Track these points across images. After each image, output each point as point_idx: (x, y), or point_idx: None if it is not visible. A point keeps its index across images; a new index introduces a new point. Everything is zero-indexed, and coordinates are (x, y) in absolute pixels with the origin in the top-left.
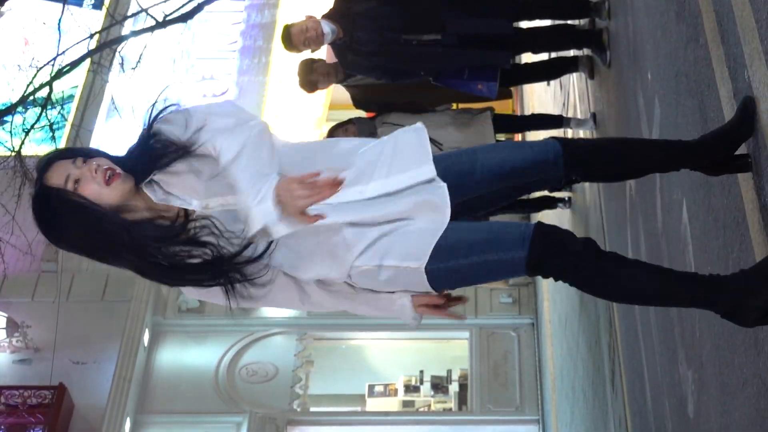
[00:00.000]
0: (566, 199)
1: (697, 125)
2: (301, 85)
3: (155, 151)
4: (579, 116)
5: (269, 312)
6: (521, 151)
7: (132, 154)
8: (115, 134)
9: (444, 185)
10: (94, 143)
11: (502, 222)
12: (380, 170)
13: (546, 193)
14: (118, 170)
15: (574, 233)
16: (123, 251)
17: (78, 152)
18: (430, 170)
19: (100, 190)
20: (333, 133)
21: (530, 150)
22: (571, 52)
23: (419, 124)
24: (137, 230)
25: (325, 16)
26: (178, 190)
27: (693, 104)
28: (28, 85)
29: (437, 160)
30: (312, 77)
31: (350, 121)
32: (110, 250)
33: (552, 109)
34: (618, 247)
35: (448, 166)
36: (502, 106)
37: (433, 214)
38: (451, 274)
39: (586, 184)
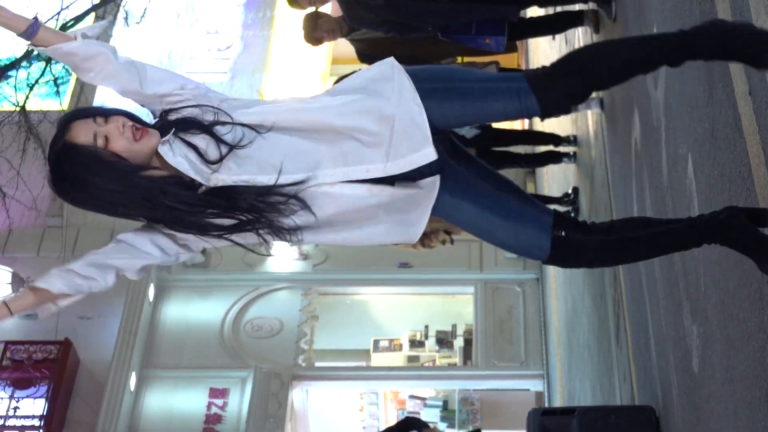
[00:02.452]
0: (571, 153)
1: (704, 80)
2: (306, 39)
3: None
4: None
5: (274, 267)
6: (500, 108)
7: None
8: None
9: (435, 191)
10: (98, 98)
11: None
12: (384, 149)
13: (551, 147)
14: (144, 126)
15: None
16: (152, 207)
17: (96, 111)
18: (430, 153)
19: (131, 146)
20: None
21: (510, 107)
22: (577, 6)
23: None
24: (170, 187)
25: None
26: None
27: (698, 62)
28: None
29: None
30: (317, 33)
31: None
32: (139, 206)
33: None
34: (623, 201)
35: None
36: (507, 60)
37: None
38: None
39: (591, 139)
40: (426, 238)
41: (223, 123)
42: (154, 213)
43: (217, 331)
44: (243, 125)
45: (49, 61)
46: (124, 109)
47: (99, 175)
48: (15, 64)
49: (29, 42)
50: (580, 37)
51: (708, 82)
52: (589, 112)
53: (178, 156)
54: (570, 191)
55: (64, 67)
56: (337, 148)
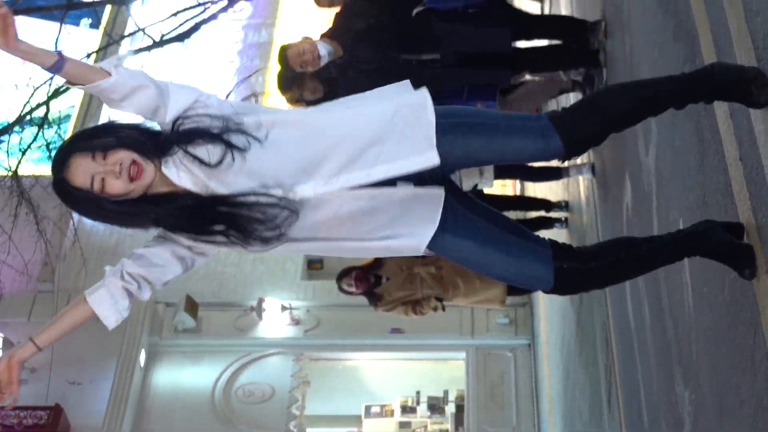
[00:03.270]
0: (563, 219)
1: (694, 146)
2: (288, 101)
3: (185, 130)
4: (577, 161)
5: (266, 332)
6: (524, 146)
7: (153, 133)
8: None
9: (441, 202)
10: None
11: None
12: (386, 151)
13: (542, 213)
14: (140, 161)
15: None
16: (151, 222)
17: (95, 145)
18: (433, 157)
19: (126, 187)
20: None
21: (533, 146)
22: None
23: (425, 94)
24: (167, 213)
25: (324, 35)
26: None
27: (690, 126)
28: (25, 105)
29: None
30: (297, 93)
31: None
32: (138, 223)
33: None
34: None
35: (448, 150)
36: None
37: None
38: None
39: (583, 205)
40: (417, 305)
41: (225, 132)
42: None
43: (209, 396)
44: (245, 133)
45: (41, 126)
46: (127, 126)
47: (97, 214)
48: (7, 129)
49: (56, 75)
50: (571, 101)
51: (699, 148)
52: (580, 178)
53: (182, 173)
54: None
55: (56, 132)
56: (338, 151)
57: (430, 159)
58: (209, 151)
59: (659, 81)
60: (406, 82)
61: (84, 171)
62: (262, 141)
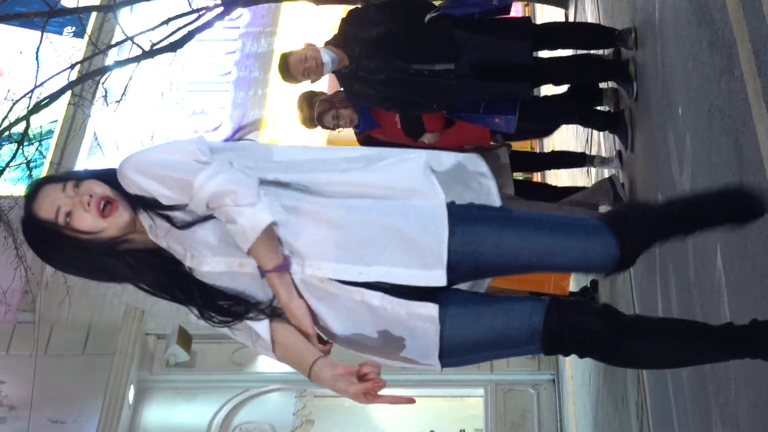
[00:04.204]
0: None
1: (732, 164)
2: (302, 123)
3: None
4: (603, 154)
5: (265, 367)
6: (566, 249)
7: None
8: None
9: (437, 334)
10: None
11: (505, 314)
12: (388, 253)
13: None
14: (113, 197)
15: (587, 303)
16: (121, 278)
17: (68, 176)
18: (440, 277)
19: (94, 223)
20: None
21: (577, 246)
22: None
23: (441, 197)
24: (138, 265)
25: (328, 43)
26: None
27: (728, 142)
28: (3, 120)
29: (458, 226)
30: (313, 113)
31: None
32: (108, 277)
33: (574, 145)
34: (647, 298)
35: (465, 254)
36: (519, 142)
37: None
38: (459, 362)
39: None
40: None
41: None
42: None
43: None
44: None
45: (20, 143)
46: (102, 170)
47: (60, 250)
48: None
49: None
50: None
51: (738, 168)
52: (605, 172)
53: (160, 230)
54: (588, 284)
55: (37, 149)
56: (332, 238)
57: (436, 279)
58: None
59: (713, 212)
60: (423, 161)
61: (51, 201)
62: None
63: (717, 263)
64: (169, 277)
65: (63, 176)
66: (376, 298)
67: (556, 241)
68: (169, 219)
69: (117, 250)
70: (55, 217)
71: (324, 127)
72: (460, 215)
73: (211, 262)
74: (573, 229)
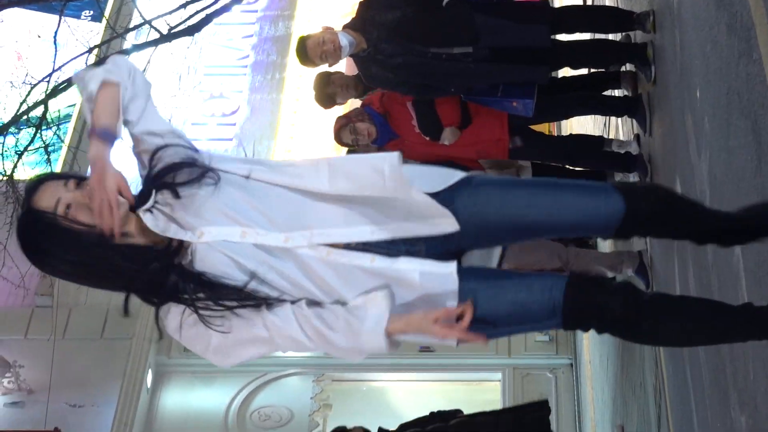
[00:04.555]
0: None
1: (751, 148)
2: (318, 100)
3: (157, 171)
4: (621, 137)
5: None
6: (572, 204)
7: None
8: (115, 157)
9: (455, 278)
10: None
11: (527, 288)
12: (395, 212)
13: None
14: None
15: (607, 278)
16: (115, 278)
17: (71, 175)
18: (451, 222)
19: (92, 216)
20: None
21: (583, 206)
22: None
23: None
24: (134, 258)
25: (346, 26)
26: (181, 215)
27: (746, 125)
28: (21, 104)
29: (465, 189)
30: (329, 90)
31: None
32: (102, 277)
33: (592, 128)
34: (665, 281)
35: (472, 213)
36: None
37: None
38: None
39: None
40: None
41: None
42: (130, 285)
43: (221, 420)
44: (228, 172)
45: (39, 127)
46: None
47: (57, 243)
48: (2, 130)
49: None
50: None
51: (756, 151)
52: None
53: (160, 221)
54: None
55: (55, 133)
56: (333, 207)
57: (449, 225)
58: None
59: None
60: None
61: (51, 194)
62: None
63: (735, 247)
64: (163, 270)
65: (66, 174)
66: (387, 261)
67: (562, 197)
68: (173, 188)
69: (113, 243)
70: (54, 208)
71: (342, 144)
72: (466, 182)
73: (212, 232)
74: (580, 188)
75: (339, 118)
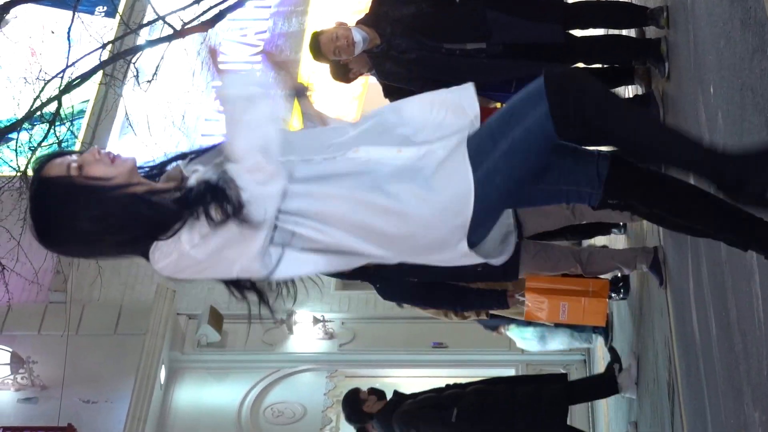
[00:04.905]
0: (621, 224)
1: (764, 137)
2: (333, 75)
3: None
4: None
5: (297, 347)
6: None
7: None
8: (130, 152)
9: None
10: None
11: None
12: (423, 135)
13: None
14: (118, 152)
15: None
16: (139, 228)
17: (74, 151)
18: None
19: (107, 169)
20: None
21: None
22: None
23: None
24: (153, 199)
25: (360, 22)
26: None
27: (760, 121)
28: (35, 100)
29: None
30: (344, 65)
31: None
32: (128, 227)
33: None
34: (678, 276)
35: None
36: None
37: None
38: (491, 179)
39: None
40: None
41: None
42: (152, 230)
43: (234, 417)
44: None
45: (52, 123)
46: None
47: (76, 202)
48: (16, 126)
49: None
50: (630, 96)
51: None
52: None
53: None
54: (619, 275)
55: (69, 129)
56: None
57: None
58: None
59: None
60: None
61: (60, 162)
62: None
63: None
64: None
65: (69, 151)
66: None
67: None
68: None
69: (133, 191)
70: (67, 171)
71: None
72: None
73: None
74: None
75: None
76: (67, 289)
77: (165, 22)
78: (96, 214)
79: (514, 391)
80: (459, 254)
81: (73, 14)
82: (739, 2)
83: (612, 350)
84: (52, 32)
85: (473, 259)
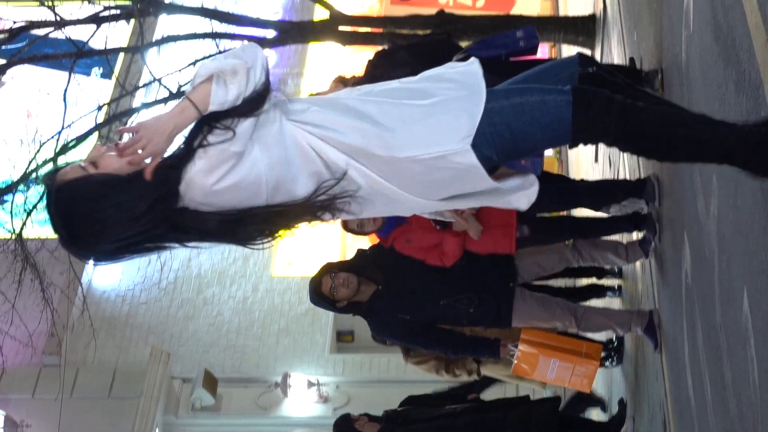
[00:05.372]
0: (616, 287)
1: (759, 206)
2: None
3: None
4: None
5: (291, 410)
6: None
7: None
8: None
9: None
10: None
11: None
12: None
13: (594, 280)
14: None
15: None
16: (162, 213)
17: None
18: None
19: (119, 160)
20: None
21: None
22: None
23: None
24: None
25: (355, 83)
26: None
27: (754, 184)
28: (30, 161)
29: None
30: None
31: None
32: (157, 208)
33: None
34: (673, 340)
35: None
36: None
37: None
38: (491, 116)
39: (638, 272)
40: (452, 364)
41: None
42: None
43: None
44: None
45: None
46: None
47: (103, 195)
48: (11, 188)
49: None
50: (625, 160)
51: (764, 209)
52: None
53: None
54: (614, 338)
55: None
56: None
57: None
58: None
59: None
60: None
61: (73, 167)
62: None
63: (744, 306)
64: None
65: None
66: None
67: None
68: None
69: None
70: (83, 170)
71: (347, 229)
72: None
73: None
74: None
75: None
76: (62, 352)
77: (161, 84)
78: (118, 203)
79: (505, 417)
80: (466, 162)
81: (70, 76)
82: (733, 65)
83: (621, 403)
84: (48, 94)
85: (482, 174)
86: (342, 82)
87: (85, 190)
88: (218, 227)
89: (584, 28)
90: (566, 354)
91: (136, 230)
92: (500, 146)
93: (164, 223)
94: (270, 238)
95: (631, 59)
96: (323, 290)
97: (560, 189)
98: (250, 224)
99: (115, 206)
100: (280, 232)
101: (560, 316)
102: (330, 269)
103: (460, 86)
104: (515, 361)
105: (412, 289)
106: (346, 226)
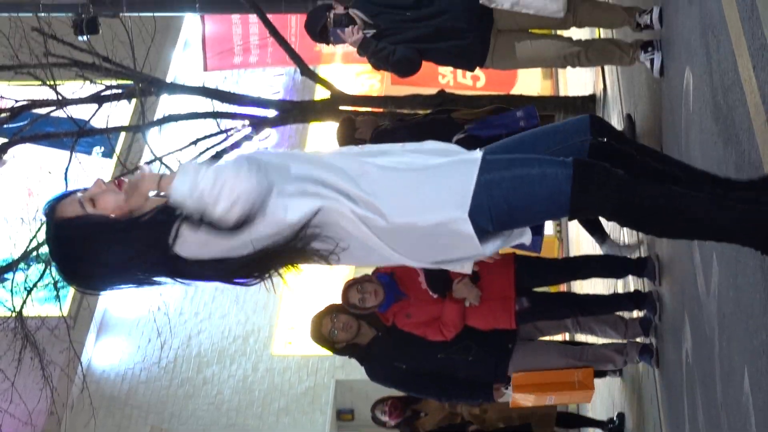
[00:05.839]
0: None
1: (759, 286)
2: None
3: None
4: (626, 241)
5: None
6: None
7: None
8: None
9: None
10: (103, 301)
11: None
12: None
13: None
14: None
15: None
16: (155, 260)
17: (77, 190)
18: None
19: (117, 197)
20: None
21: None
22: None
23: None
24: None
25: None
26: None
27: (754, 263)
28: (31, 240)
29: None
30: (357, 135)
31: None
32: (153, 254)
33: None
34: (674, 419)
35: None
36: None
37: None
38: (489, 188)
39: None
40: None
41: None
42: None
43: None
44: None
45: (48, 263)
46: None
47: (98, 239)
48: (12, 266)
49: None
50: (625, 236)
51: (765, 289)
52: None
53: None
54: (615, 417)
55: None
56: None
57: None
58: None
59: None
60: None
61: (72, 201)
62: None
63: (744, 386)
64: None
65: (75, 190)
66: None
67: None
68: None
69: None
70: (82, 208)
71: (348, 305)
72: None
73: None
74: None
75: (347, 281)
76: (61, 430)
77: (162, 163)
78: (121, 249)
79: None
80: (460, 227)
81: (71, 155)
82: (733, 145)
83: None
84: (50, 172)
85: (472, 241)
86: None
87: (82, 231)
88: (213, 273)
89: (584, 108)
90: (560, 388)
91: (129, 274)
92: (497, 217)
93: (157, 269)
94: (260, 279)
95: (628, 115)
96: (323, 331)
97: (560, 265)
98: (242, 267)
99: (110, 251)
100: (270, 273)
101: (556, 362)
102: (332, 311)
103: (455, 153)
104: (512, 399)
105: (411, 340)
106: (347, 300)
